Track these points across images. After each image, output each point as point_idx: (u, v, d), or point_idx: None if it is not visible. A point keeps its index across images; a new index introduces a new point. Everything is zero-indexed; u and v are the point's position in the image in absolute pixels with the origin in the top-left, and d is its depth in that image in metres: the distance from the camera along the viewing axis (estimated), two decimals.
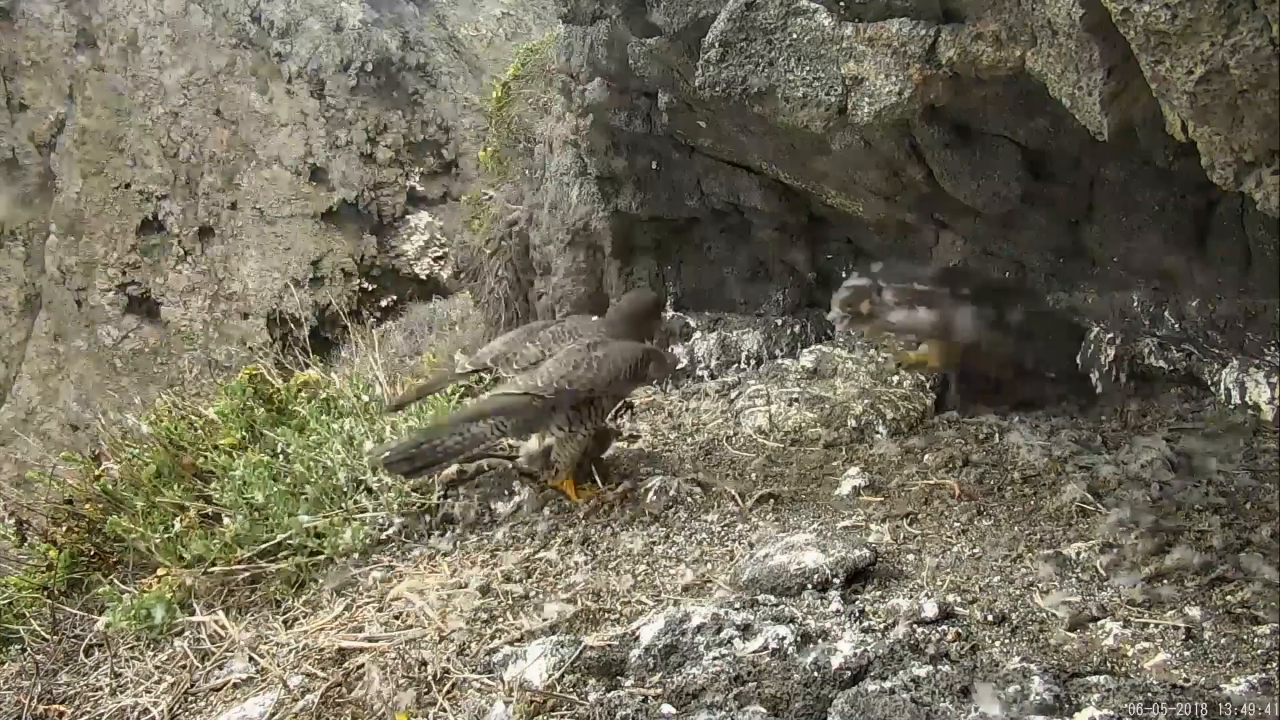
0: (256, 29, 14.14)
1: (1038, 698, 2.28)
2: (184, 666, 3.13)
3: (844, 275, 5.34)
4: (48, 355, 13.58)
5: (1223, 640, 2.60)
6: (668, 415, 4.78)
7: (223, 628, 3.25)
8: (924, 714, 2.18)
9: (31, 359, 13.54)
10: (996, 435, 4.12)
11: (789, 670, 2.41)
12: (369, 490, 3.95)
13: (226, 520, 3.77)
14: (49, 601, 3.89)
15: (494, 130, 8.75)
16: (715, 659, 2.47)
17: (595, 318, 4.25)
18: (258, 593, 3.63)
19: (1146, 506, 3.38)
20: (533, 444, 3.86)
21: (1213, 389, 4.12)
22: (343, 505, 3.83)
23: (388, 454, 3.62)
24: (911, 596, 2.84)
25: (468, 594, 3.08)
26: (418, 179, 14.60)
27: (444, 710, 2.50)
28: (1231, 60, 2.16)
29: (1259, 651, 2.53)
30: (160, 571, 3.69)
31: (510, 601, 3.00)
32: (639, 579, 3.13)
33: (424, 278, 14.36)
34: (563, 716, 2.37)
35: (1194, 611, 2.74)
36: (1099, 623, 2.70)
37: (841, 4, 3.44)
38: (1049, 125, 3.39)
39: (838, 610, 2.75)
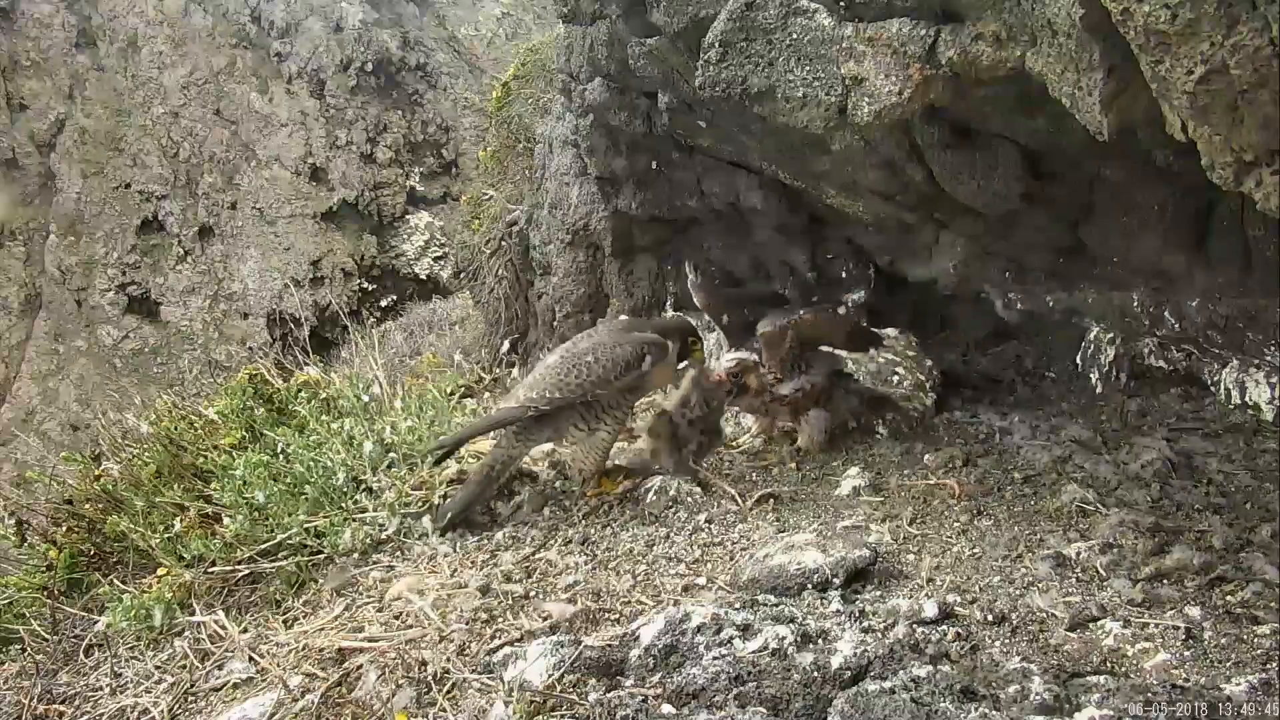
0: (256, 29, 14.15)
1: (1038, 698, 2.28)
2: (184, 666, 3.14)
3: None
4: (48, 355, 13.58)
5: (1223, 640, 2.60)
6: None
7: (223, 628, 3.25)
8: (924, 714, 2.18)
9: (31, 359, 13.54)
10: (996, 435, 4.12)
11: (789, 670, 2.41)
12: (369, 490, 3.96)
13: (226, 520, 3.77)
14: (49, 601, 3.89)
15: (494, 130, 8.76)
16: (715, 659, 2.47)
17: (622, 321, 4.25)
18: (258, 593, 3.63)
19: (1146, 506, 3.38)
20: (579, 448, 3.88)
21: (1213, 389, 4.12)
22: (342, 505, 3.83)
23: (449, 517, 3.69)
24: (911, 596, 2.84)
25: (468, 594, 3.08)
26: (418, 179, 14.61)
27: (444, 710, 2.50)
28: (1231, 60, 2.16)
29: (1259, 651, 2.53)
30: (160, 571, 3.69)
31: (510, 601, 3.00)
32: (639, 579, 3.13)
33: (424, 278, 14.37)
34: (563, 716, 2.37)
35: (1194, 611, 2.74)
36: (1099, 623, 2.70)
37: (841, 4, 3.44)
38: (1049, 125, 3.39)
39: (838, 610, 2.75)
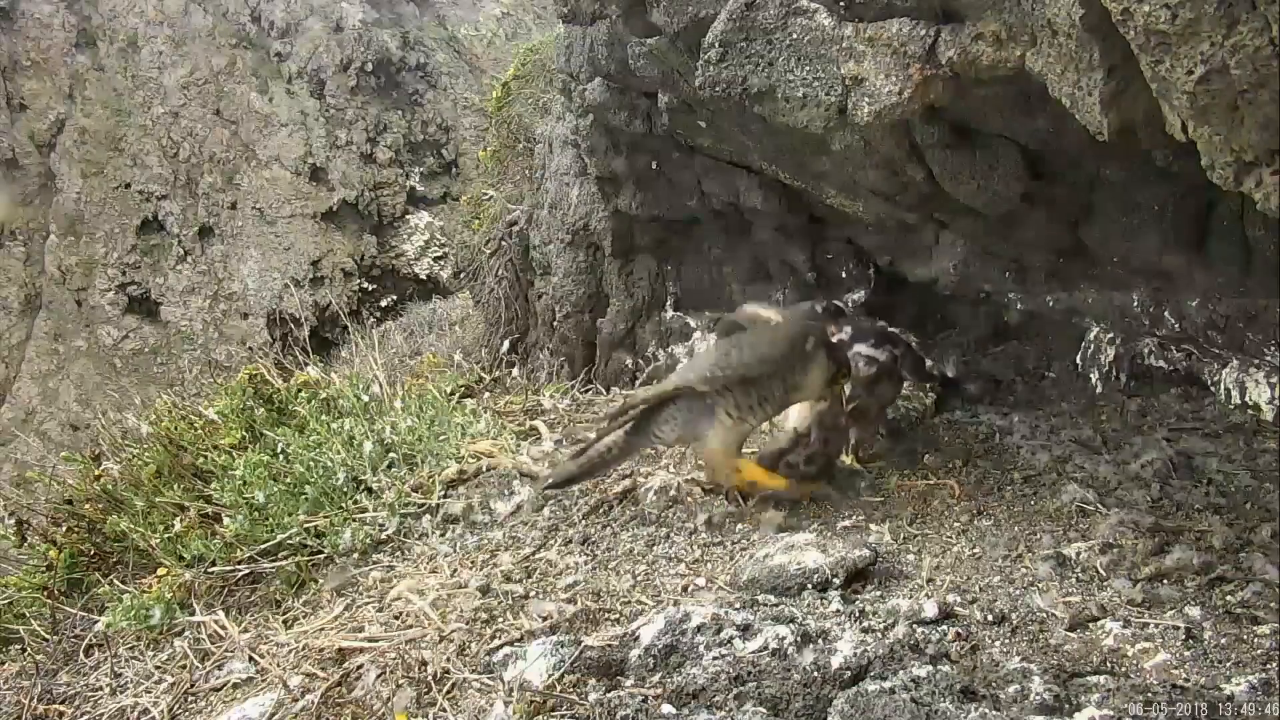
0: (256, 29, 14.15)
1: (1038, 698, 2.28)
2: (184, 666, 3.14)
3: (843, 275, 5.25)
4: (48, 355, 13.57)
5: (1223, 640, 2.60)
6: None
7: (223, 628, 3.25)
8: (924, 714, 2.18)
9: (31, 359, 13.53)
10: (996, 435, 4.12)
11: (789, 670, 2.41)
12: (369, 490, 3.96)
13: (226, 520, 3.78)
14: (49, 601, 3.89)
15: (494, 130, 8.77)
16: (715, 659, 2.47)
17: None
18: (258, 593, 3.63)
19: (1146, 506, 3.38)
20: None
21: (1213, 389, 4.11)
22: (342, 505, 3.83)
23: (551, 481, 3.60)
24: (911, 596, 2.84)
25: (468, 594, 3.08)
26: (418, 179, 14.60)
27: (444, 710, 2.50)
28: (1231, 60, 2.16)
29: (1259, 651, 2.53)
30: (160, 571, 3.70)
31: (510, 601, 3.00)
32: (639, 579, 3.13)
33: (424, 278, 14.36)
34: (563, 716, 2.37)
35: (1194, 611, 2.74)
36: (1099, 623, 2.70)
37: (841, 4, 3.44)
38: (1049, 125, 3.39)
39: (838, 610, 2.75)
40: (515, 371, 6.88)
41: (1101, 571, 2.98)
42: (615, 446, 3.54)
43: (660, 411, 3.54)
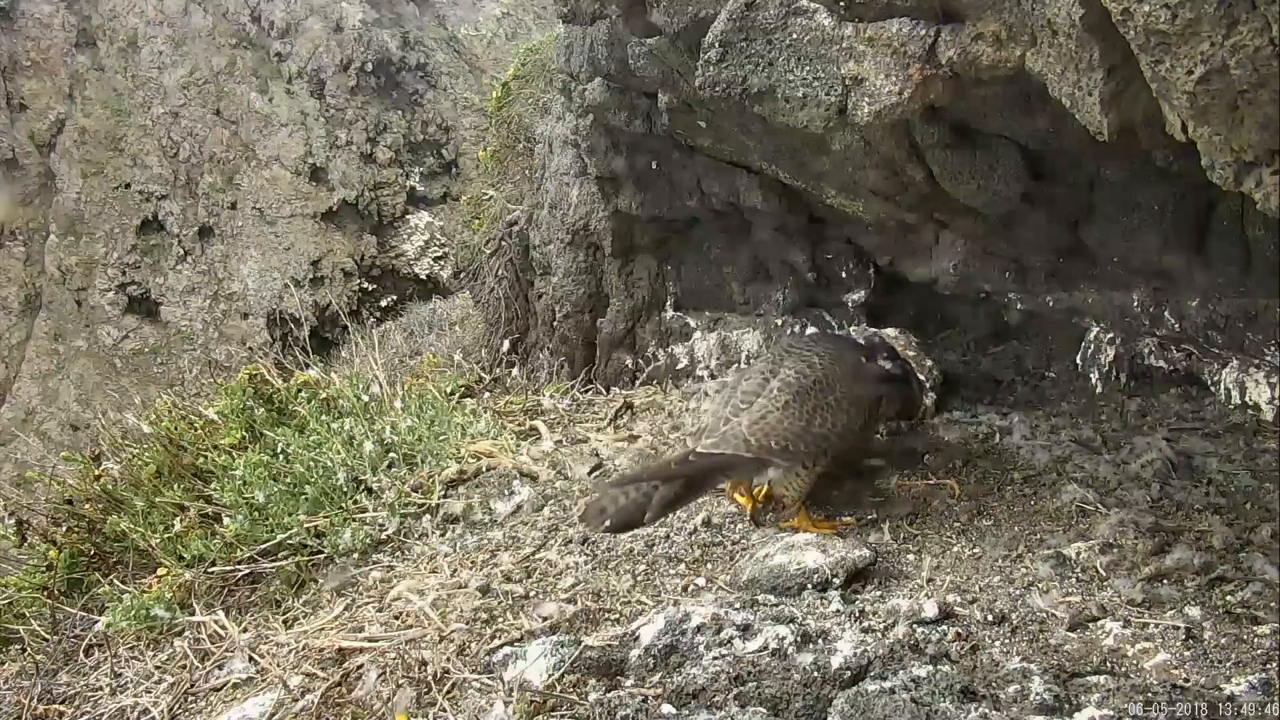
0: (256, 29, 14.14)
1: (1038, 698, 2.28)
2: (184, 666, 3.14)
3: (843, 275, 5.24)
4: (48, 355, 13.57)
5: (1223, 640, 2.60)
6: (668, 415, 4.78)
7: (223, 628, 3.25)
8: (924, 714, 2.18)
9: (31, 359, 13.53)
10: (996, 435, 4.12)
11: (789, 670, 2.41)
12: (369, 490, 3.96)
13: (226, 520, 3.78)
14: (49, 601, 3.89)
15: (494, 130, 8.77)
16: (715, 659, 2.48)
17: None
18: (258, 593, 3.63)
19: (1146, 506, 3.38)
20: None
21: (1213, 389, 4.11)
22: (342, 505, 3.83)
23: (608, 522, 3.11)
24: (911, 596, 2.84)
25: (468, 594, 3.08)
26: (418, 179, 14.60)
27: (444, 710, 2.50)
28: (1231, 60, 2.16)
29: (1259, 651, 2.53)
30: (160, 571, 3.70)
31: (510, 601, 3.00)
32: (639, 579, 3.13)
33: (424, 278, 14.35)
34: (563, 716, 2.37)
35: (1194, 611, 2.74)
36: (1099, 623, 2.70)
37: (841, 4, 3.44)
38: (1049, 125, 3.39)
39: (838, 610, 2.75)
40: (515, 371, 6.88)
41: (1101, 571, 2.99)
42: (678, 494, 3.19)
43: (734, 468, 3.34)
